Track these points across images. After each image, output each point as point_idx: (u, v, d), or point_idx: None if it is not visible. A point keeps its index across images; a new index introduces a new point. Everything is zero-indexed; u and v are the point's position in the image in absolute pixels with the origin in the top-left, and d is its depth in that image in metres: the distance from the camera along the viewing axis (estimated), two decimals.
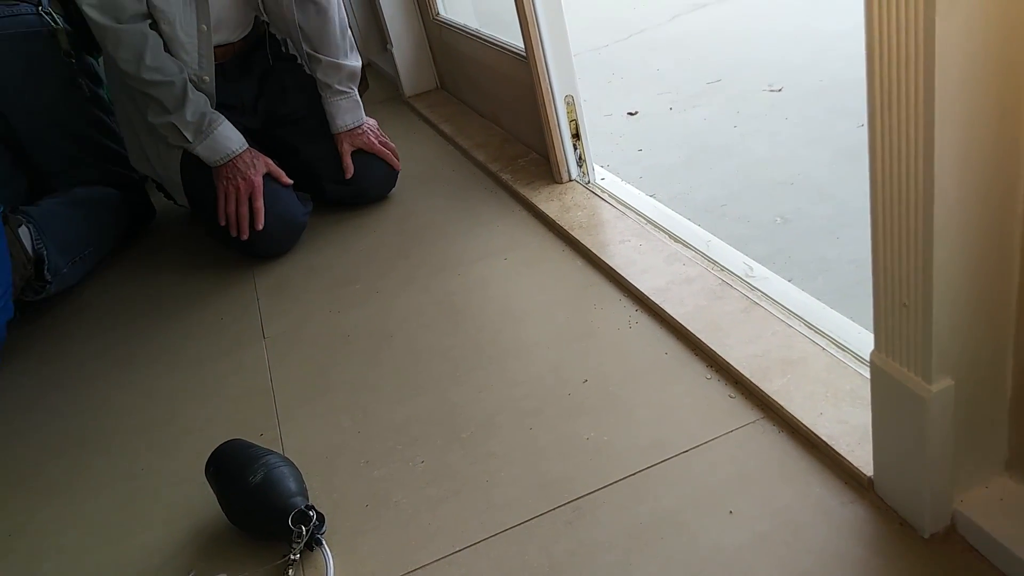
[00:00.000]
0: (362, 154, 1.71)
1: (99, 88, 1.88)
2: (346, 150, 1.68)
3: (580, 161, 1.57)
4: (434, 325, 1.26)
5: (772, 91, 2.08)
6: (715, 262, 1.21)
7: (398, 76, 2.39)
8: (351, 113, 1.70)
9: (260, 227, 1.52)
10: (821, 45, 2.34)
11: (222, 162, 1.52)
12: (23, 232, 1.58)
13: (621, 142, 2.03)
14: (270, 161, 1.57)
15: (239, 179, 1.51)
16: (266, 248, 1.60)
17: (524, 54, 1.55)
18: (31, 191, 1.84)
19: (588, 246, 1.32)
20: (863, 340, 0.97)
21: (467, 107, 2.17)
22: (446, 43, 2.20)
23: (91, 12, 1.44)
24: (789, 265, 1.36)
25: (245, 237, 1.53)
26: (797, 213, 1.51)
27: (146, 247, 1.90)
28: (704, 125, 2.02)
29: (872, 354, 0.72)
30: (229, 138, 1.52)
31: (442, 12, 2.23)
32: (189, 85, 1.49)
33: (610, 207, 1.46)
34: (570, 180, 1.58)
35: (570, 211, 1.46)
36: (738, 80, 2.23)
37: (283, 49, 1.79)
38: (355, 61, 1.71)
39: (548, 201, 1.52)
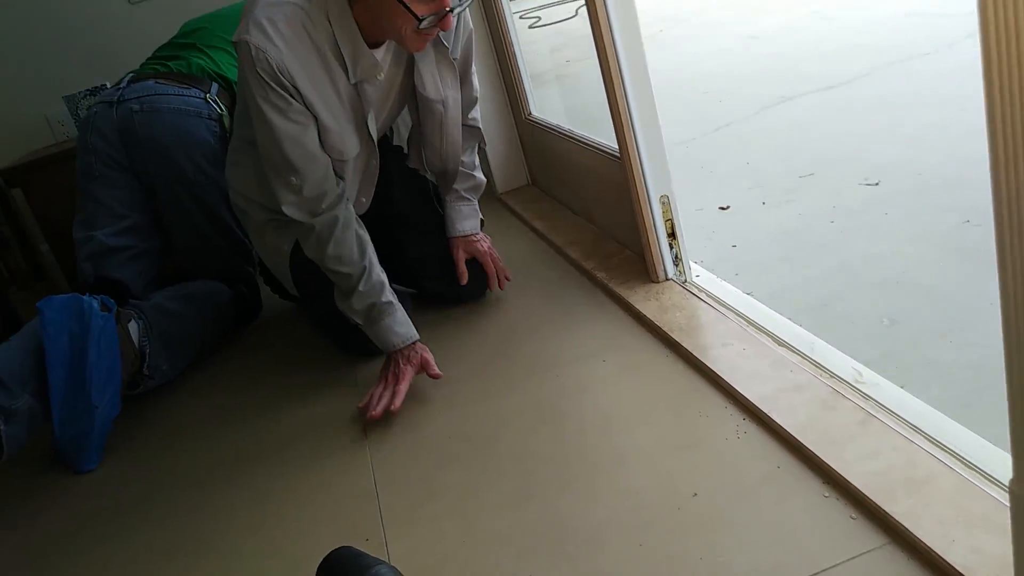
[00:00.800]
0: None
1: None
2: (461, 256, 1.71)
3: (676, 260, 1.58)
4: (536, 429, 1.26)
5: (868, 185, 2.05)
6: (824, 368, 1.18)
7: (491, 173, 2.46)
8: (470, 220, 1.73)
9: (396, 408, 1.42)
10: (917, 137, 2.30)
11: (384, 353, 1.52)
12: (132, 327, 1.66)
13: (714, 237, 2.02)
14: (428, 359, 1.50)
15: (391, 370, 1.48)
16: (368, 346, 1.63)
17: (618, 154, 1.59)
18: (163, 254, 1.97)
19: (689, 349, 1.31)
20: (992, 457, 0.93)
21: (559, 203, 2.21)
22: (538, 141, 2.27)
23: (289, 210, 1.45)
24: (901, 370, 1.31)
25: (377, 417, 1.41)
26: (905, 314, 1.47)
27: (253, 341, 1.97)
28: (799, 220, 1.99)
29: (1011, 483, 0.69)
30: (394, 332, 1.48)
31: (534, 112, 2.30)
32: (365, 274, 1.48)
33: (709, 308, 1.44)
34: (666, 279, 1.58)
35: (668, 312, 1.46)
36: (832, 174, 2.21)
37: (388, 140, 1.84)
38: (482, 176, 1.77)
39: (645, 301, 1.52)
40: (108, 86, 2.47)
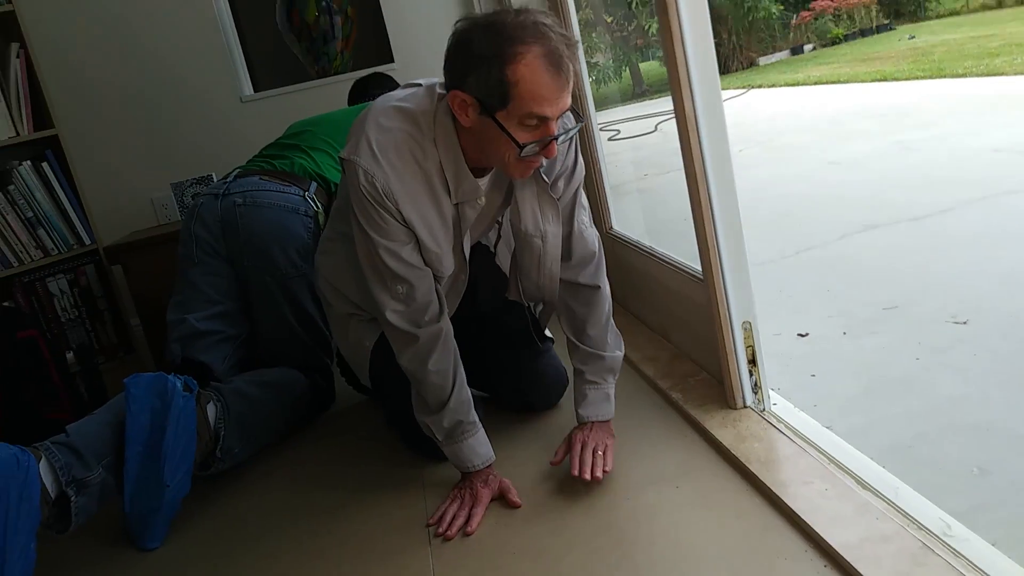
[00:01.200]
0: (535, 365, 1.74)
1: None
2: (563, 443, 1.54)
3: (755, 388, 1.55)
4: (603, 554, 1.23)
5: (956, 323, 2.00)
6: (910, 517, 1.13)
7: None
8: (596, 406, 1.54)
9: (471, 531, 1.40)
10: (1008, 277, 2.25)
11: (461, 471, 1.51)
12: (210, 409, 1.71)
13: (792, 365, 1.99)
14: (507, 484, 1.48)
15: (467, 490, 1.47)
16: (437, 451, 1.64)
17: (700, 275, 1.59)
18: (248, 341, 2.03)
19: (768, 484, 1.27)
20: None
21: (635, 318, 2.21)
22: (617, 255, 2.29)
23: (393, 318, 1.43)
24: (992, 525, 1.24)
25: (450, 538, 1.39)
26: (997, 464, 1.40)
27: (324, 431, 2.00)
28: (882, 354, 1.95)
29: None
30: (475, 452, 1.48)
31: (615, 226, 2.34)
32: (455, 389, 1.47)
33: (788, 441, 1.41)
34: (744, 406, 1.55)
35: (746, 441, 1.42)
36: (917, 308, 2.16)
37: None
38: (616, 351, 1.59)
39: (722, 428, 1.49)
40: (214, 176, 2.63)
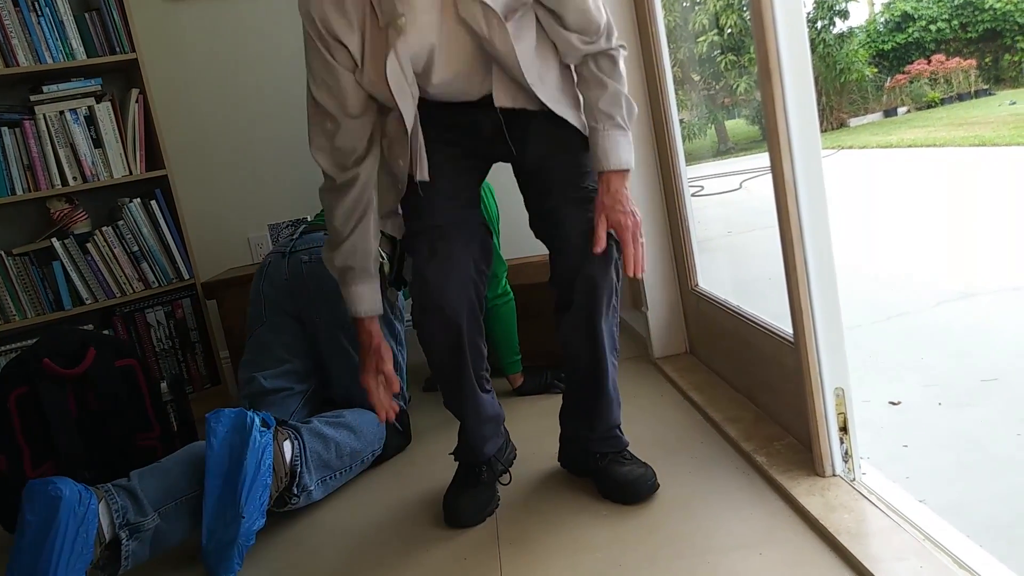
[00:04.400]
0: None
1: (398, 322, 2.10)
2: (602, 222, 1.42)
3: (846, 456, 1.49)
4: None
5: None
6: None
7: (649, 337, 2.46)
8: (628, 151, 1.44)
9: (396, 390, 1.59)
10: None
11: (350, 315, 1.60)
12: (287, 446, 1.74)
13: (882, 434, 1.91)
14: (385, 356, 1.58)
15: (363, 344, 1.59)
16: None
17: (792, 339, 1.55)
18: (315, 395, 2.07)
19: (859, 558, 1.22)
20: None
21: (718, 377, 2.17)
22: (702, 312, 2.26)
23: (318, 156, 1.50)
24: None
25: (389, 419, 1.60)
26: None
27: (399, 471, 2.01)
28: (981, 428, 1.86)
29: None
30: (360, 299, 1.56)
31: (701, 283, 2.31)
32: (354, 234, 1.52)
33: (881, 513, 1.35)
34: (834, 475, 1.49)
35: (835, 511, 1.37)
36: (1019, 382, 2.06)
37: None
38: (618, 86, 1.46)
39: (809, 495, 1.44)
40: (309, 219, 2.72)
